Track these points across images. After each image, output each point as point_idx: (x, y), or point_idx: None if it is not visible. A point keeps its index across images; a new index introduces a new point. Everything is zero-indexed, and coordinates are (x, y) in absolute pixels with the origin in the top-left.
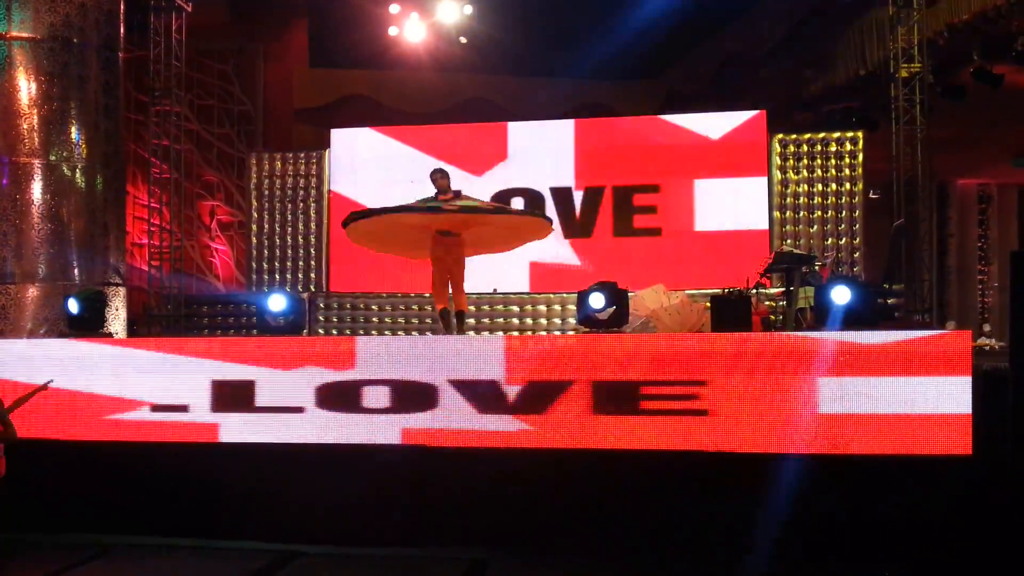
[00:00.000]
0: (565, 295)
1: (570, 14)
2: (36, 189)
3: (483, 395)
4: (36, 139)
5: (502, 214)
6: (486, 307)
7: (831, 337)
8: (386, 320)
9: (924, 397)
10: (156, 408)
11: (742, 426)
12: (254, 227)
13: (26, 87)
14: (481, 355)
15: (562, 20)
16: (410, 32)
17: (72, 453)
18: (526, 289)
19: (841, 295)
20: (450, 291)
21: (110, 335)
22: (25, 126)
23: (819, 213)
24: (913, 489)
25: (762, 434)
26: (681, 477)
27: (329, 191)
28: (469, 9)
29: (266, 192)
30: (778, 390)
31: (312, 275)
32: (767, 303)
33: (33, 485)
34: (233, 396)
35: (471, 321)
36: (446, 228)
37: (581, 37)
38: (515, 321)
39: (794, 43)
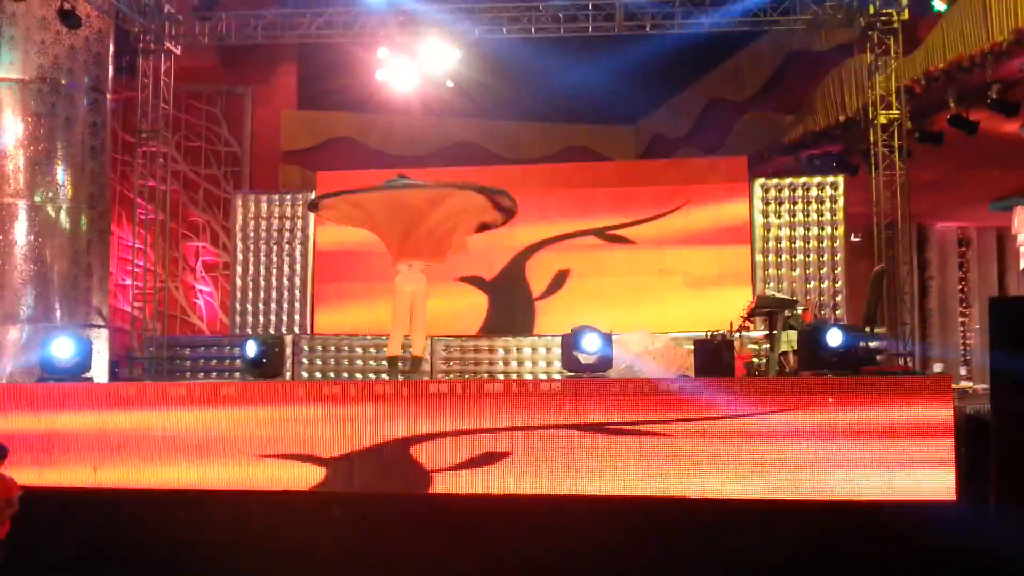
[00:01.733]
0: (550, 338)
1: (556, 59)
2: (20, 230)
3: None
4: (21, 179)
5: (463, 190)
6: (471, 351)
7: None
8: (370, 363)
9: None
10: (144, 455)
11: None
12: (239, 268)
13: (13, 128)
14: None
15: (548, 65)
16: (397, 76)
17: (58, 501)
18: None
19: (835, 338)
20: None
21: (90, 379)
22: (11, 166)
23: (801, 257)
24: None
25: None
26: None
27: (314, 233)
28: (457, 54)
29: (251, 234)
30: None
31: (296, 317)
32: (750, 346)
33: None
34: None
35: (453, 365)
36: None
37: (567, 82)
38: (500, 365)
39: (774, 89)
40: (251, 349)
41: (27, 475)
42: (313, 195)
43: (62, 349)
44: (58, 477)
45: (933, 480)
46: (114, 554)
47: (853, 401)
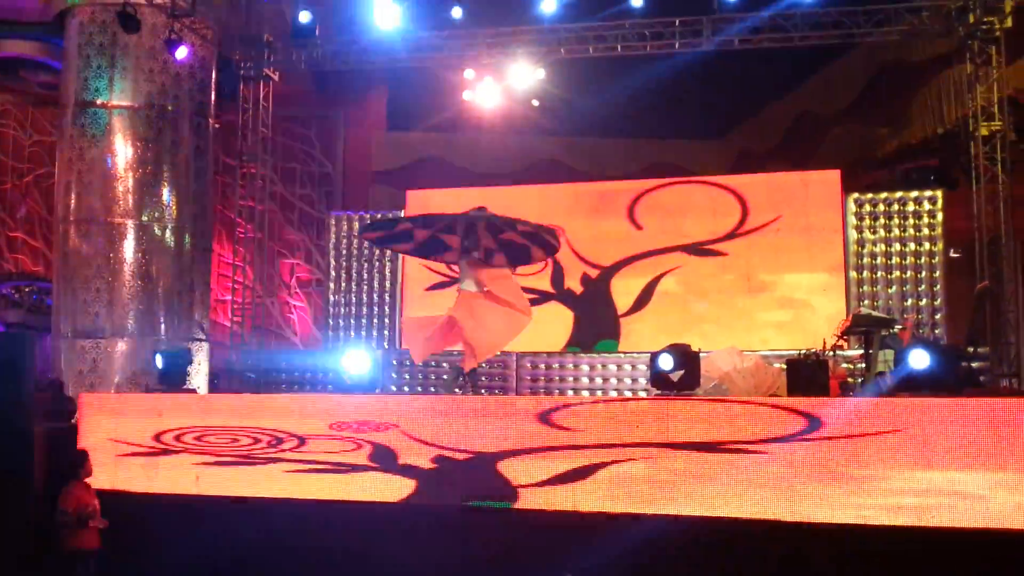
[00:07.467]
0: (636, 355)
1: (640, 74)
2: (128, 248)
3: None
4: (130, 200)
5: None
6: (556, 367)
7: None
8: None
9: None
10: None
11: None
12: (332, 285)
13: (123, 152)
14: None
15: (632, 81)
16: (484, 96)
17: (163, 507)
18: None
19: (919, 360)
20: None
21: (192, 390)
22: (120, 188)
23: (897, 273)
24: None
25: None
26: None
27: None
28: (542, 73)
29: (344, 252)
30: None
31: (386, 332)
32: (845, 366)
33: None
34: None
35: (541, 379)
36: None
37: (652, 97)
38: (585, 381)
39: (867, 102)
40: (355, 362)
41: (135, 482)
42: (402, 214)
43: (167, 361)
44: (163, 485)
45: None
46: (208, 561)
47: (955, 423)
